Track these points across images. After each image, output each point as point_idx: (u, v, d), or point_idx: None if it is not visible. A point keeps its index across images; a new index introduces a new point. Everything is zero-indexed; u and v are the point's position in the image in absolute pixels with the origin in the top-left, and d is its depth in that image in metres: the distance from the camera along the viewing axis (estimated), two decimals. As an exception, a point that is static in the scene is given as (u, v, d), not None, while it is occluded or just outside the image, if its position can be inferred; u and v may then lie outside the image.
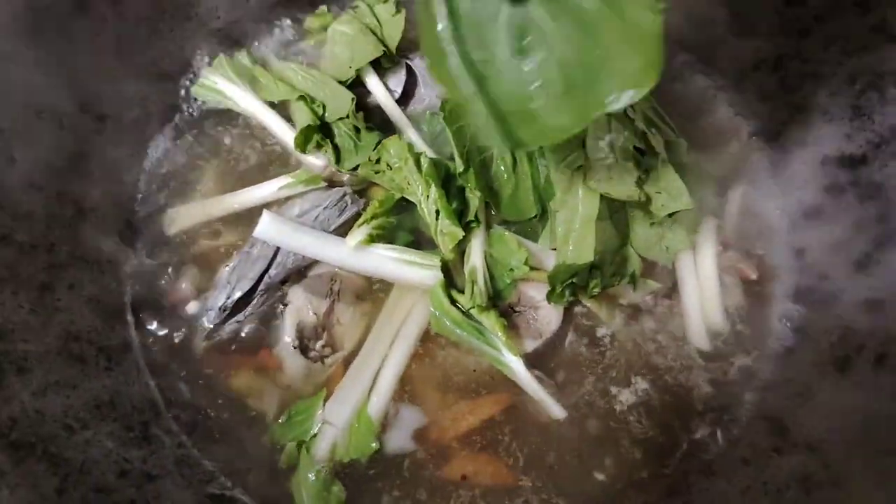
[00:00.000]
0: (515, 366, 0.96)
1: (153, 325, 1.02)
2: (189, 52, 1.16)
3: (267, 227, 0.99)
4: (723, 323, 1.02)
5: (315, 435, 0.94)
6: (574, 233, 0.99)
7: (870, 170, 0.98)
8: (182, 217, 1.10)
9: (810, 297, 1.00)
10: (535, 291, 1.02)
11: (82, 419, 0.86)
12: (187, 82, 1.17)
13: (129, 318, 1.02)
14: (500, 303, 1.02)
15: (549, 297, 1.00)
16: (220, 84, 1.17)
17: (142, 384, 0.97)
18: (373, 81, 1.14)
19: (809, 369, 0.94)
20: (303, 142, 1.10)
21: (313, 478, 0.91)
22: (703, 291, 1.03)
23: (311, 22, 1.26)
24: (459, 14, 0.72)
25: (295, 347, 0.98)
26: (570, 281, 0.98)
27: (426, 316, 1.02)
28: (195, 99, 1.18)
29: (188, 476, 0.91)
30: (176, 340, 1.00)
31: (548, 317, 1.01)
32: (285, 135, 1.14)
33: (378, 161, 1.08)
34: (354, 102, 1.11)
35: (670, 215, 1.00)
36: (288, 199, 1.10)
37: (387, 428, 0.96)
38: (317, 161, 1.12)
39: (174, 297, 1.04)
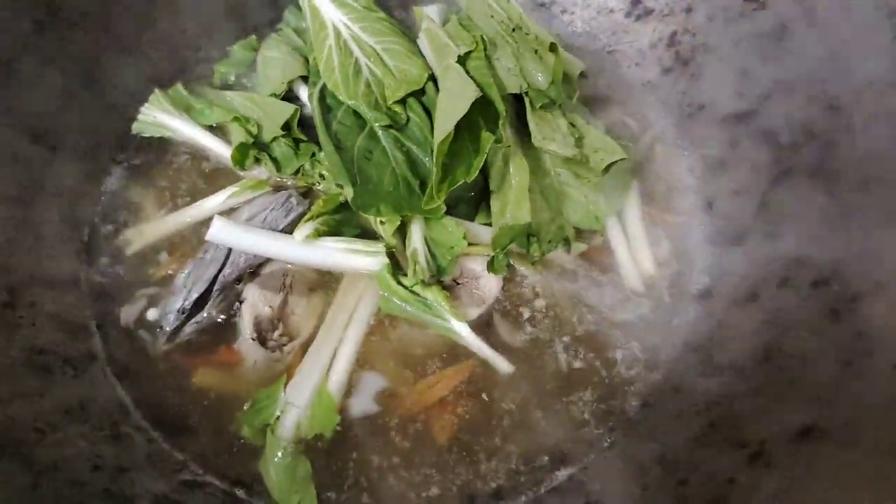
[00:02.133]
0: (462, 331, 1.03)
1: (116, 335, 1.06)
2: (133, 82, 1.23)
3: (218, 231, 1.05)
4: (653, 267, 1.11)
5: (279, 417, 0.99)
6: (510, 204, 1.07)
7: (760, 120, 1.09)
8: (138, 236, 1.16)
9: (722, 239, 1.10)
10: (475, 264, 1.10)
11: (52, 423, 0.90)
12: (134, 111, 1.23)
13: (93, 330, 1.06)
14: (444, 278, 1.09)
15: (490, 267, 1.08)
16: (160, 117, 1.24)
17: (109, 388, 1.01)
18: (305, 93, 1.23)
19: (726, 302, 1.03)
20: (240, 158, 1.17)
21: (280, 456, 0.96)
22: (631, 242, 1.13)
23: (237, 51, 1.34)
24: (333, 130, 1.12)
25: (253, 339, 1.03)
26: (509, 245, 1.06)
27: (376, 298, 1.08)
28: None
29: (160, 467, 0.94)
30: (139, 346, 1.05)
31: (488, 285, 1.09)
32: (226, 154, 1.20)
33: (312, 170, 1.18)
34: (299, 113, 1.18)
35: (606, 169, 1.09)
36: (237, 207, 1.17)
37: (349, 395, 1.02)
38: (260, 175, 1.20)
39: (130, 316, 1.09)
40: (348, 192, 1.04)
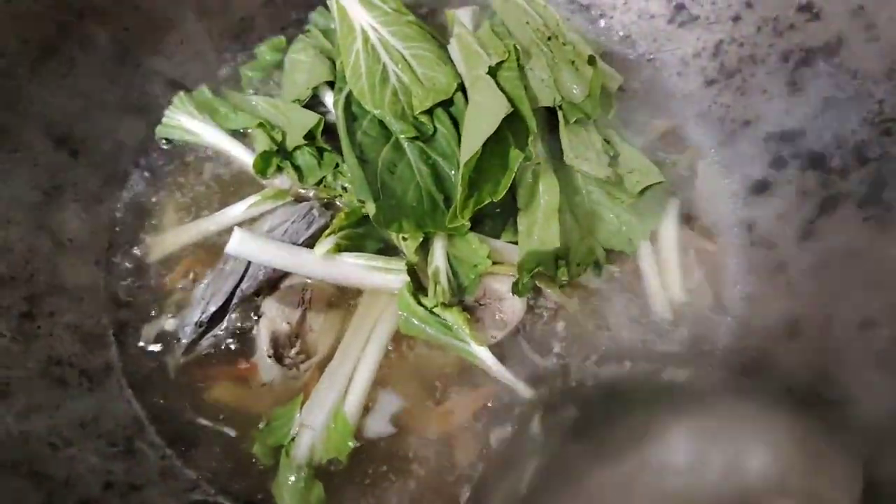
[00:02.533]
0: (483, 355, 0.99)
1: (133, 346, 1.05)
2: (156, 86, 1.21)
3: (237, 243, 1.03)
4: (683, 295, 1.06)
5: (294, 438, 0.97)
6: (537, 224, 1.03)
7: (808, 141, 1.03)
8: (159, 245, 1.14)
9: (762, 268, 1.04)
10: (500, 284, 1.06)
11: (66, 438, 0.90)
12: (156, 115, 1.21)
13: (110, 341, 1.05)
14: (467, 298, 1.05)
15: (514, 288, 1.04)
16: (183, 121, 1.21)
17: (124, 402, 1.00)
18: (330, 98, 1.19)
19: (762, 335, 0.98)
20: (262, 167, 1.14)
21: (293, 479, 0.94)
22: (662, 267, 1.08)
23: (264, 52, 1.30)
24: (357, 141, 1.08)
25: (270, 357, 1.01)
26: (536, 270, 1.02)
27: (396, 317, 1.05)
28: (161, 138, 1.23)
29: (172, 485, 0.93)
30: (156, 358, 1.04)
31: (512, 307, 1.05)
32: (248, 161, 1.18)
33: (334, 182, 1.15)
34: (322, 124, 1.15)
35: (642, 192, 1.04)
36: (258, 217, 1.14)
37: (365, 414, 0.99)
38: (282, 185, 1.17)
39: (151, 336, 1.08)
40: (370, 208, 1.01)
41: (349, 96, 1.14)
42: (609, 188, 1.06)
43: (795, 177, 1.03)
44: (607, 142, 1.06)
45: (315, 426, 0.97)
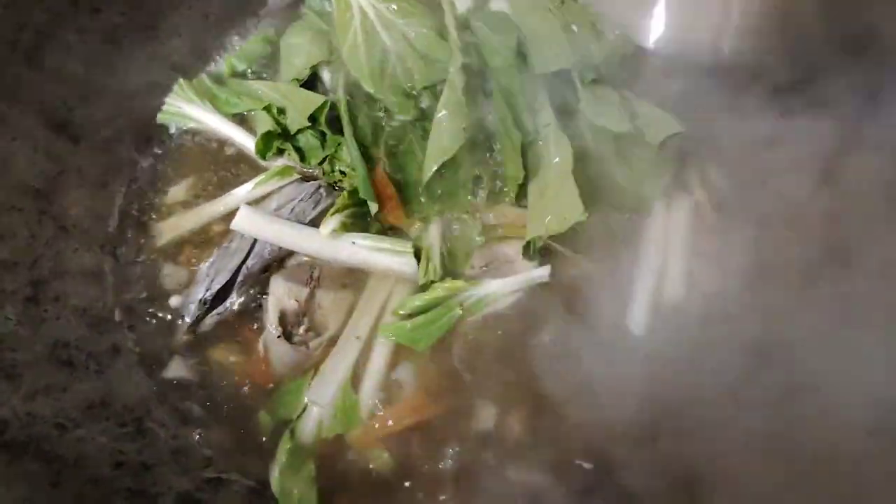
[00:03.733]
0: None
1: (140, 328, 1.04)
2: (154, 71, 1.20)
3: (243, 220, 1.02)
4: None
5: (301, 415, 0.95)
6: (550, 187, 1.01)
7: (817, 90, 1.01)
8: (165, 228, 1.13)
9: (775, 219, 1.01)
10: (510, 249, 1.05)
11: (74, 419, 0.88)
12: (157, 100, 1.20)
13: (117, 323, 1.04)
14: (461, 270, 1.04)
15: (525, 252, 1.02)
16: (184, 107, 1.20)
17: (132, 383, 0.99)
18: (328, 77, 1.18)
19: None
20: (263, 148, 1.13)
21: (288, 457, 0.92)
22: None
23: (252, 44, 1.29)
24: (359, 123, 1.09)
25: (279, 336, 1.00)
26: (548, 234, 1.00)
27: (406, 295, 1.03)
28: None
29: (184, 463, 0.92)
30: (161, 338, 1.02)
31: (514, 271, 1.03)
32: (249, 145, 1.17)
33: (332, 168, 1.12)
34: (328, 106, 1.11)
35: (663, 143, 1.04)
36: (266, 196, 1.13)
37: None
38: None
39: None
40: (373, 208, 1.02)
41: (348, 75, 1.13)
42: (628, 146, 1.04)
43: (807, 126, 1.00)
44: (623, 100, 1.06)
45: (322, 403, 0.95)
